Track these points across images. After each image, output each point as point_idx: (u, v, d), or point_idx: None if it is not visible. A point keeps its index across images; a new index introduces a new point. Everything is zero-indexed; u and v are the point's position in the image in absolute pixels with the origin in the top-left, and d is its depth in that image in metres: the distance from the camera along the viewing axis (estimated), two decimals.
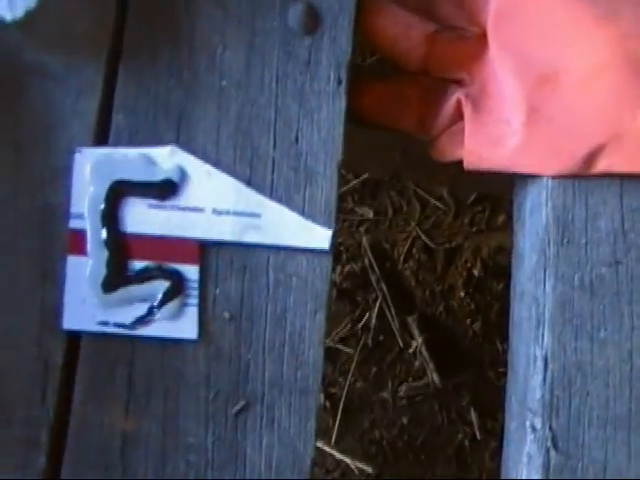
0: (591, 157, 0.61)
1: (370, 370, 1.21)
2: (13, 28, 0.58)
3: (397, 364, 1.21)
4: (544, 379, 0.59)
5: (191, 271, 0.58)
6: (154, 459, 0.56)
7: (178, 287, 0.57)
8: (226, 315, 0.58)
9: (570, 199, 0.62)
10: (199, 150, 0.59)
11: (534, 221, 0.62)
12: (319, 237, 0.59)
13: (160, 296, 0.57)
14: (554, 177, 0.62)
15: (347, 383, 1.18)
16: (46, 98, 0.59)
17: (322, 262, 0.59)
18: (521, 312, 0.62)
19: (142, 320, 0.57)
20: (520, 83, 0.62)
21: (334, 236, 0.59)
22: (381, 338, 1.22)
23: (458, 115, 0.65)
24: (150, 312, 0.57)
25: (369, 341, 1.21)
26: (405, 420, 1.20)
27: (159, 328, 0.57)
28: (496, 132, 0.63)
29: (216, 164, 0.59)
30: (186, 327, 0.57)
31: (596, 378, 0.59)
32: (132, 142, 0.59)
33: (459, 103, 0.64)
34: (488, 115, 0.63)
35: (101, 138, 0.59)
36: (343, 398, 1.18)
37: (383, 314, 1.22)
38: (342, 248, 1.22)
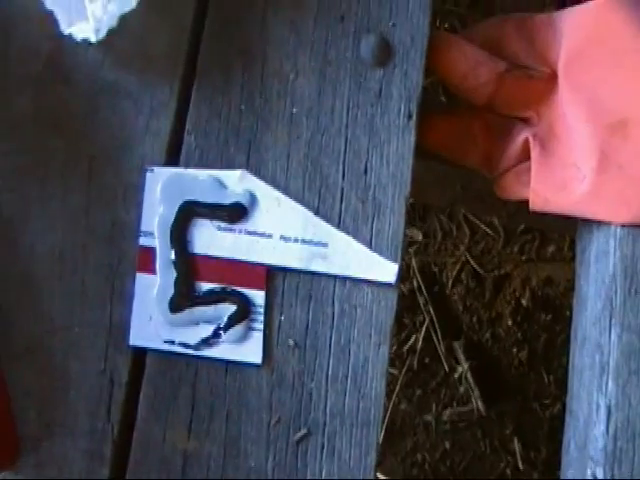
0: None
1: (414, 392, 1.20)
2: (95, 47, 0.59)
3: (442, 388, 1.21)
4: (607, 428, 0.58)
5: (258, 296, 0.58)
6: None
7: (244, 311, 0.58)
8: (290, 342, 0.58)
9: (639, 249, 0.61)
10: (268, 176, 0.60)
11: (600, 268, 0.62)
12: (385, 270, 0.59)
13: (226, 319, 0.58)
14: (623, 225, 0.61)
15: (391, 404, 1.18)
16: (121, 116, 0.60)
17: (387, 295, 0.59)
18: (583, 358, 0.62)
19: (207, 341, 0.58)
20: (592, 128, 0.62)
21: (400, 270, 0.59)
22: (427, 361, 1.21)
23: (525, 154, 0.64)
24: (215, 334, 0.58)
25: (414, 363, 1.21)
26: (448, 445, 1.19)
27: (224, 351, 0.58)
28: (564, 176, 0.62)
29: (285, 191, 0.59)
30: (251, 351, 0.58)
31: None
32: (202, 163, 0.60)
33: (526, 142, 0.64)
34: (556, 157, 0.63)
35: (172, 157, 0.60)
36: (387, 419, 1.18)
37: (429, 337, 1.22)
38: None
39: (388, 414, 1.17)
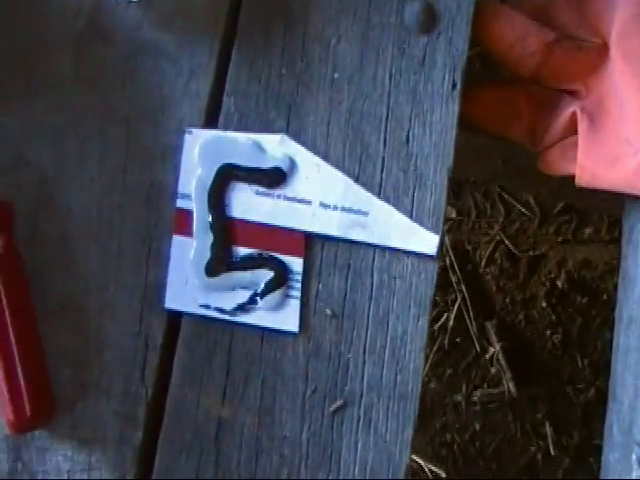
0: None
1: (445, 372, 1.20)
2: (135, 6, 0.59)
3: (472, 369, 1.19)
4: None
5: (295, 263, 0.57)
6: (248, 449, 0.56)
7: (282, 278, 0.57)
8: (328, 311, 0.57)
9: None
10: (308, 142, 0.59)
11: None
12: (426, 241, 0.58)
13: (263, 285, 0.57)
14: None
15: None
16: (159, 77, 0.59)
17: (427, 267, 0.58)
18: (628, 339, 0.60)
19: (243, 307, 0.57)
20: None
21: (441, 242, 0.58)
22: (458, 340, 1.20)
23: (572, 128, 0.63)
24: (252, 300, 0.57)
25: (445, 342, 1.20)
26: (477, 426, 1.18)
27: (260, 317, 0.57)
28: (614, 151, 0.61)
29: (325, 157, 0.58)
30: (287, 319, 0.57)
31: None
32: (241, 127, 0.59)
33: (574, 116, 0.62)
34: (605, 132, 0.61)
35: (211, 120, 0.59)
36: None
37: (461, 316, 1.20)
38: None
39: None
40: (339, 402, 0.57)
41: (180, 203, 0.58)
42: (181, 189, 0.58)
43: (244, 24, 0.60)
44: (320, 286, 0.57)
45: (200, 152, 0.58)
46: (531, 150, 0.66)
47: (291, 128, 0.59)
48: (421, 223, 0.58)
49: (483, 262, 1.22)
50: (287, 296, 0.57)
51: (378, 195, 0.58)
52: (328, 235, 0.58)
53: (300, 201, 0.58)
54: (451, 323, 1.20)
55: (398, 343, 0.57)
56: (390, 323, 0.57)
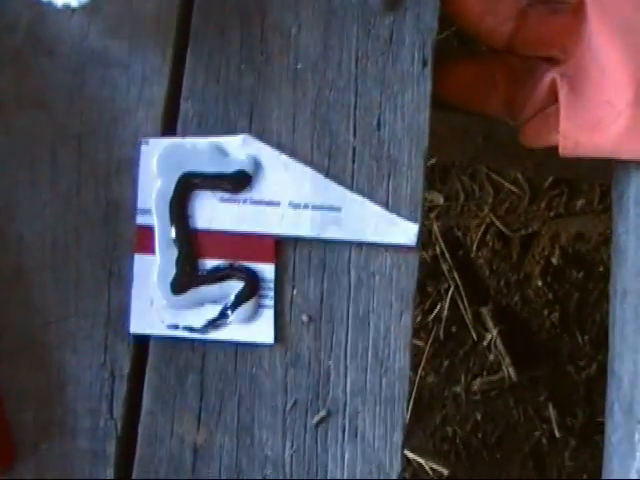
0: None
1: (442, 364, 1.17)
2: (79, 14, 0.56)
3: (470, 357, 1.17)
4: None
5: (266, 270, 0.55)
6: (228, 474, 0.54)
7: (253, 287, 0.54)
8: (304, 318, 0.55)
9: None
10: (274, 139, 0.56)
11: None
12: (404, 232, 0.55)
13: (233, 297, 0.54)
14: None
15: (418, 377, 1.15)
16: (110, 87, 0.57)
17: (408, 259, 0.55)
18: (624, 313, 0.58)
19: (214, 323, 0.54)
20: (626, 57, 0.57)
21: (421, 230, 0.55)
22: (453, 330, 1.18)
23: (552, 97, 0.60)
24: (223, 314, 0.54)
25: (441, 333, 1.17)
26: (479, 416, 1.16)
27: (233, 332, 0.54)
28: (596, 115, 0.58)
29: (292, 154, 0.56)
30: (262, 331, 0.54)
31: None
32: (202, 131, 0.56)
33: (553, 83, 0.60)
34: (586, 96, 0.59)
35: (169, 127, 0.57)
36: (414, 393, 1.14)
37: (455, 305, 1.18)
38: None
39: (415, 388, 1.15)
40: (322, 413, 0.54)
41: (140, 219, 0.55)
42: (140, 204, 0.55)
43: (198, 23, 0.58)
44: (295, 292, 0.55)
45: (158, 163, 0.55)
46: (511, 123, 0.64)
47: (254, 126, 0.56)
48: (398, 212, 0.56)
49: (474, 246, 1.19)
50: (260, 306, 0.55)
51: (351, 188, 0.56)
52: (300, 236, 0.55)
53: (268, 203, 0.55)
54: (445, 313, 1.17)
55: (381, 343, 0.55)
56: (371, 323, 0.55)
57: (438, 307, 1.18)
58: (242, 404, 0.54)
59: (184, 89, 0.57)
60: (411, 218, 0.56)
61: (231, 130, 0.56)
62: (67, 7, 0.54)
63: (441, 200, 1.21)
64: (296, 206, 0.55)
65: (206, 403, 0.54)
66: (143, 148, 0.56)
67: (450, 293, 1.18)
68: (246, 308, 0.54)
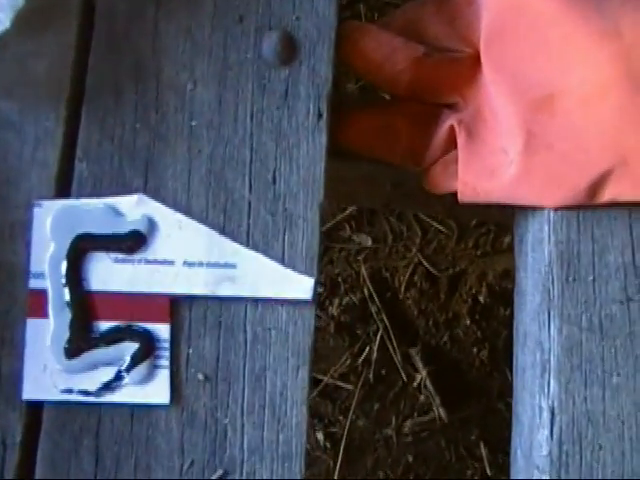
0: (596, 186, 0.56)
1: (372, 407, 1.16)
2: None
3: (401, 399, 1.16)
4: (551, 433, 0.54)
5: (161, 330, 0.54)
6: None
7: (148, 348, 0.53)
8: (200, 376, 0.54)
9: (575, 232, 0.57)
10: (169, 197, 0.56)
11: (536, 257, 0.58)
12: (300, 286, 0.55)
13: (128, 359, 0.53)
14: (556, 209, 0.57)
15: (348, 421, 1.14)
16: (2, 148, 0.56)
17: (304, 313, 0.55)
18: (525, 357, 0.58)
19: (109, 386, 0.53)
20: (515, 107, 0.58)
21: (317, 284, 0.55)
22: (383, 372, 1.17)
23: (451, 143, 0.60)
24: (118, 377, 0.53)
25: (370, 376, 1.16)
26: (410, 458, 1.15)
27: (128, 394, 0.53)
28: (492, 162, 0.58)
29: (187, 212, 0.55)
30: (157, 391, 0.53)
31: (609, 430, 0.54)
32: (96, 192, 0.55)
33: (452, 130, 0.60)
34: (483, 143, 0.59)
35: (63, 189, 0.56)
36: (344, 438, 1.13)
37: (385, 347, 1.17)
38: (340, 279, 1.18)
39: (346, 432, 1.13)
40: (219, 472, 0.53)
41: (33, 283, 0.54)
42: (34, 268, 0.54)
43: (92, 84, 0.57)
44: (190, 350, 0.54)
45: (52, 225, 0.54)
46: (414, 170, 0.63)
47: (149, 185, 0.56)
48: (294, 267, 0.55)
49: (402, 287, 1.19)
50: (155, 366, 0.53)
51: (247, 244, 0.55)
52: (195, 294, 0.54)
53: (162, 262, 0.54)
54: (375, 355, 1.16)
55: (277, 400, 0.54)
56: (268, 379, 0.54)
57: (367, 350, 1.17)
58: (139, 466, 0.53)
59: (78, 150, 0.56)
60: (307, 272, 0.55)
61: (126, 190, 0.55)
62: None
63: (369, 242, 1.20)
64: (190, 264, 0.54)
65: (102, 468, 0.53)
66: (36, 210, 0.55)
67: (379, 335, 1.17)
68: (141, 369, 0.53)
